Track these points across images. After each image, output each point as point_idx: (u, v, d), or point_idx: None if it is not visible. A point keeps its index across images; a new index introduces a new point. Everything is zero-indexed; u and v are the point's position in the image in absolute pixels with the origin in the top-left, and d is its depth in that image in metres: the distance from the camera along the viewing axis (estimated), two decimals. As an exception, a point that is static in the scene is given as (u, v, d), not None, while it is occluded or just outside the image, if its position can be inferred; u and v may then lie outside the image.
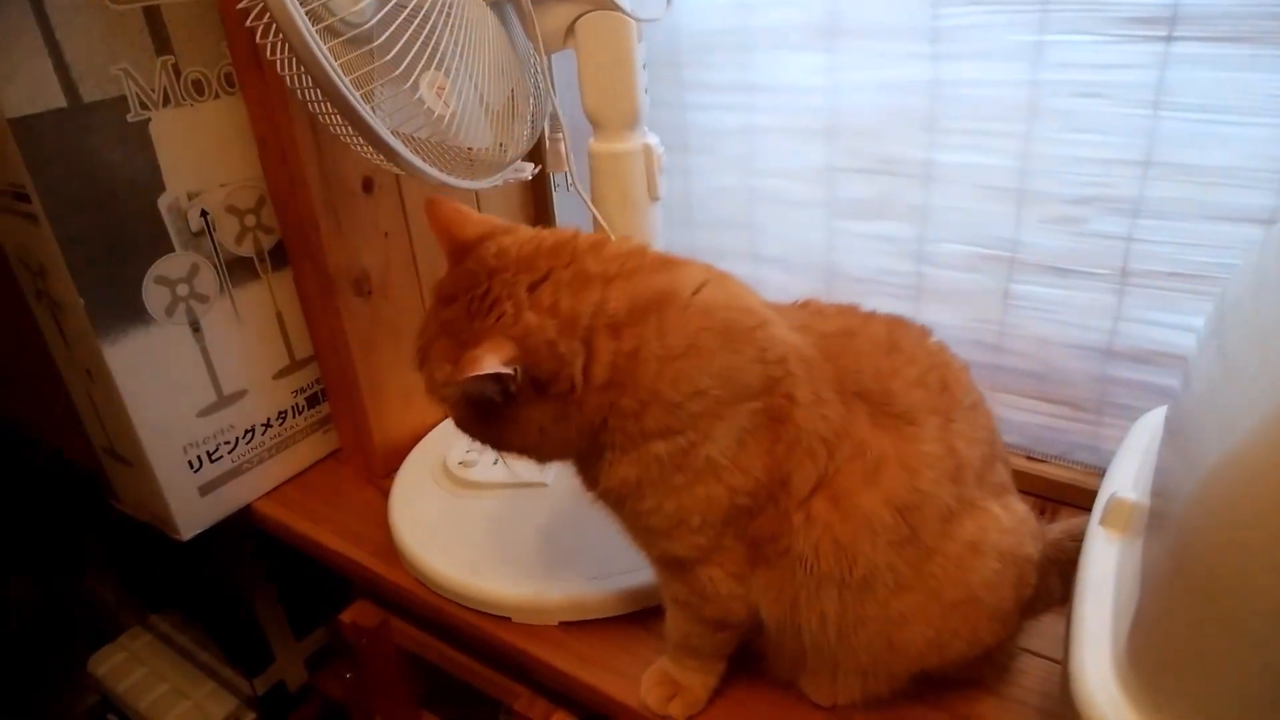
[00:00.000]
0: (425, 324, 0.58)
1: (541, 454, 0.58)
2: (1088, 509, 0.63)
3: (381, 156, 0.60)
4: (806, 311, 0.63)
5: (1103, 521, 0.59)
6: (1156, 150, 0.70)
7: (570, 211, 1.04)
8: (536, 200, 1.04)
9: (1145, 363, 0.77)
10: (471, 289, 0.54)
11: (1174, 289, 0.73)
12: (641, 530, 0.58)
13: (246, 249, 0.84)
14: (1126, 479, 0.62)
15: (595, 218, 0.74)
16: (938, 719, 0.63)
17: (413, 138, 0.62)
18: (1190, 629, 0.44)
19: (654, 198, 0.74)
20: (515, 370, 0.51)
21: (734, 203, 0.94)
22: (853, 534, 0.55)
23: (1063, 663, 0.52)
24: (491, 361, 0.49)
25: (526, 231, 0.58)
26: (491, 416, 0.55)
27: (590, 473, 0.58)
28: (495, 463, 0.87)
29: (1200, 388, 0.53)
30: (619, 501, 0.57)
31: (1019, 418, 0.85)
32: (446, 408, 0.57)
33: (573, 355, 0.52)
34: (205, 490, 0.86)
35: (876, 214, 0.85)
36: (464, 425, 0.58)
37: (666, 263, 0.58)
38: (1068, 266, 0.77)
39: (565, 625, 0.72)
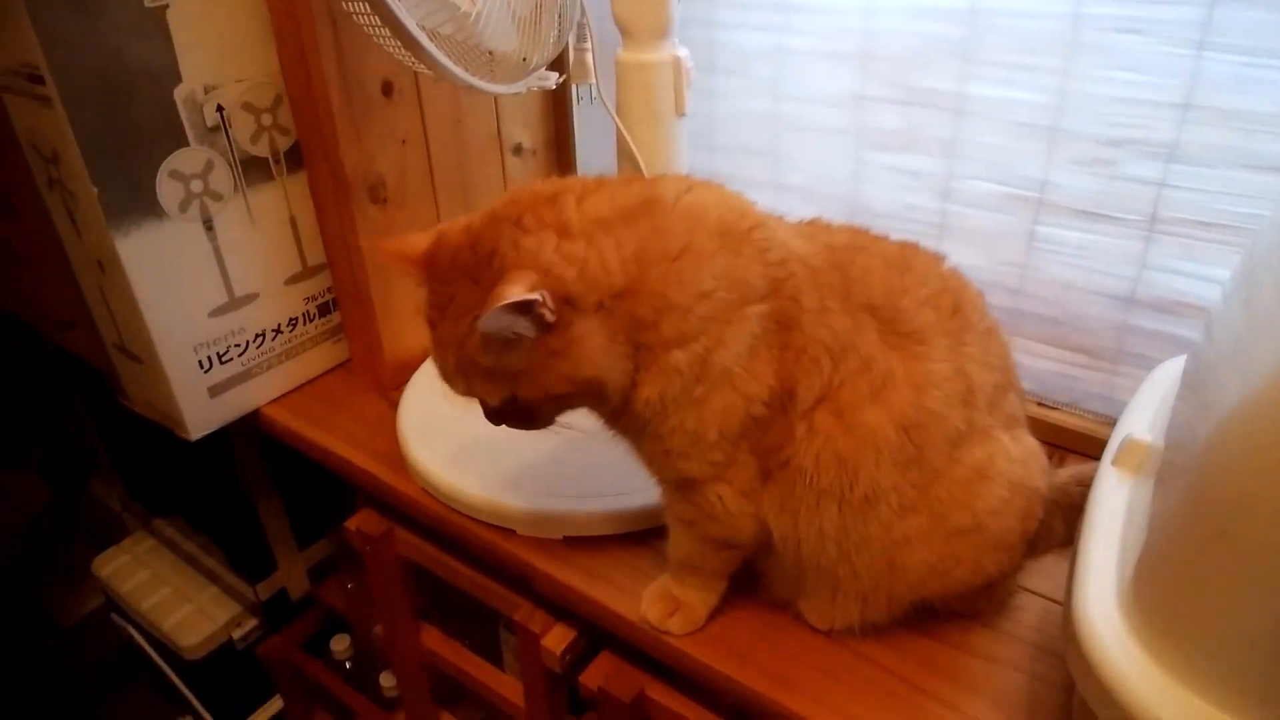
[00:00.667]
0: (434, 339, 0.57)
1: (603, 387, 0.54)
2: (1096, 457, 0.63)
3: (406, 51, 0.58)
4: (813, 227, 0.62)
5: (1115, 462, 0.59)
6: (1197, 93, 0.68)
7: (591, 128, 1.02)
8: (557, 113, 1.02)
9: (1166, 312, 0.76)
10: (457, 272, 0.54)
11: (1202, 238, 0.72)
12: (660, 454, 0.58)
13: (262, 149, 0.83)
14: (1141, 423, 0.62)
15: (618, 130, 0.72)
16: (932, 646, 0.64)
17: (436, 33, 0.60)
18: (1199, 569, 0.44)
19: (680, 113, 0.72)
20: (542, 295, 0.49)
21: (759, 128, 0.92)
22: (855, 449, 0.55)
23: (1065, 597, 0.52)
24: (515, 290, 0.48)
25: (476, 211, 0.57)
26: (537, 372, 0.53)
27: (615, 404, 0.56)
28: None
29: (1223, 339, 0.53)
30: (642, 427, 0.57)
31: (1034, 364, 0.85)
32: (486, 389, 0.55)
33: (582, 254, 0.52)
34: (215, 392, 0.86)
35: (905, 146, 0.83)
36: (508, 409, 0.56)
37: (640, 177, 0.58)
38: (1096, 210, 0.76)
39: (569, 540, 0.73)
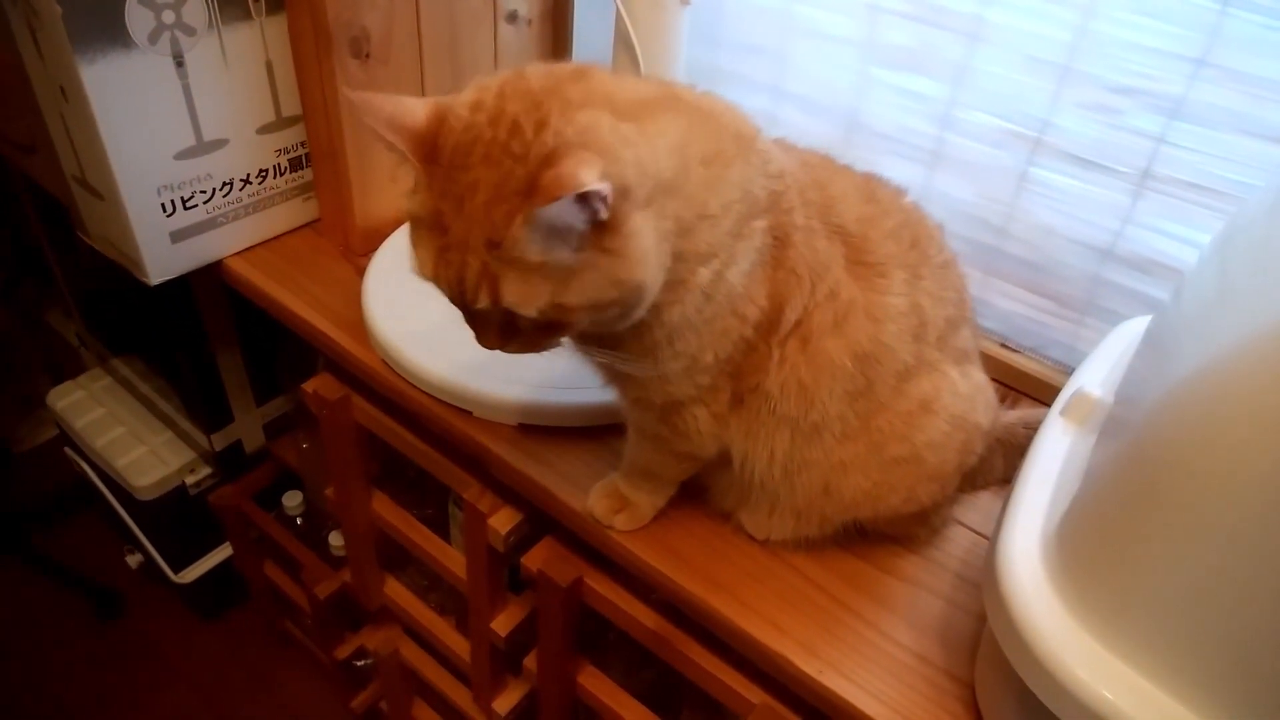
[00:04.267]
0: (442, 243, 0.46)
1: (642, 297, 0.48)
2: (1049, 404, 0.64)
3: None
4: (783, 145, 0.60)
5: (1063, 412, 0.60)
6: (1214, 50, 0.66)
7: (591, 3, 0.98)
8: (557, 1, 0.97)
9: (1142, 271, 0.76)
10: (478, 156, 0.44)
11: (1191, 200, 0.72)
12: (654, 380, 0.55)
13: (241, -15, 0.78)
14: (1095, 378, 0.63)
15: (618, 12, 0.69)
16: (861, 567, 0.66)
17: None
18: (1120, 522, 0.45)
19: (684, 1, 0.69)
20: (607, 184, 0.42)
21: (766, 27, 0.88)
22: (814, 378, 0.55)
23: (993, 534, 0.54)
24: (587, 174, 0.41)
25: (472, 87, 0.48)
26: (584, 275, 0.45)
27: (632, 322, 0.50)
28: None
29: (1191, 302, 0.53)
30: (648, 351, 0.53)
31: (1004, 304, 0.85)
32: (520, 295, 0.45)
33: (635, 137, 0.45)
34: (177, 238, 0.84)
35: (912, 66, 0.81)
36: (532, 324, 0.47)
37: (648, 79, 0.54)
38: (1090, 158, 0.75)
39: (524, 427, 0.74)
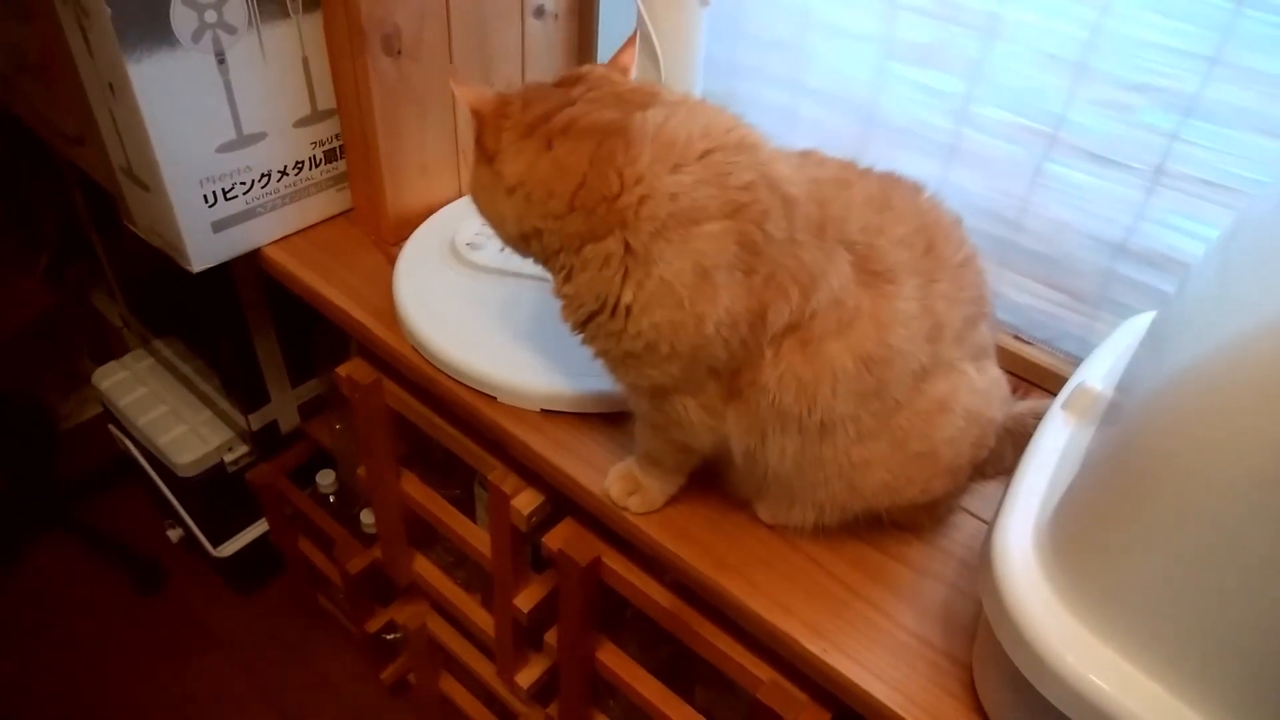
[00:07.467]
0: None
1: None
2: (1060, 395, 0.66)
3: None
4: (806, 159, 0.62)
5: (1064, 405, 0.62)
6: (1227, 48, 0.67)
7: (613, 9, 1.00)
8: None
9: (1154, 266, 0.77)
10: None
11: (1202, 197, 0.72)
12: (621, 356, 0.59)
13: (279, -16, 0.81)
14: (1098, 372, 0.64)
15: (640, 13, 0.71)
16: (869, 552, 0.68)
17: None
18: (1110, 510, 0.47)
19: (704, 2, 0.71)
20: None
21: (787, 22, 0.89)
22: (814, 376, 0.57)
23: (991, 522, 0.56)
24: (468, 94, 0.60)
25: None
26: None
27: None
28: (502, 249, 0.89)
29: (1193, 296, 0.54)
30: (616, 333, 0.58)
31: (1018, 297, 0.86)
32: None
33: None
34: (218, 227, 0.88)
35: (930, 62, 0.82)
36: None
37: (641, 86, 0.62)
38: (1105, 154, 0.76)
39: (546, 412, 0.76)
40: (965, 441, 0.63)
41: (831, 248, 0.57)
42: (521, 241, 0.61)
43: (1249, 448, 0.40)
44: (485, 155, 0.59)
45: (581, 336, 0.61)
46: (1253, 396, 0.40)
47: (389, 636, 1.34)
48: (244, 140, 0.85)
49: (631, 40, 0.64)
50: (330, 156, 0.94)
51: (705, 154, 0.55)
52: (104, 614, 1.47)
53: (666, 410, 0.61)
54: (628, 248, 0.55)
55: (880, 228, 0.59)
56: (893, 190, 0.62)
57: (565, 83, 0.60)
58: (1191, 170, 0.72)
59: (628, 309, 0.56)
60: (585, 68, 0.61)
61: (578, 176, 0.55)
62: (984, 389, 0.64)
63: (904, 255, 0.59)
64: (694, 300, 0.54)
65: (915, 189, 0.64)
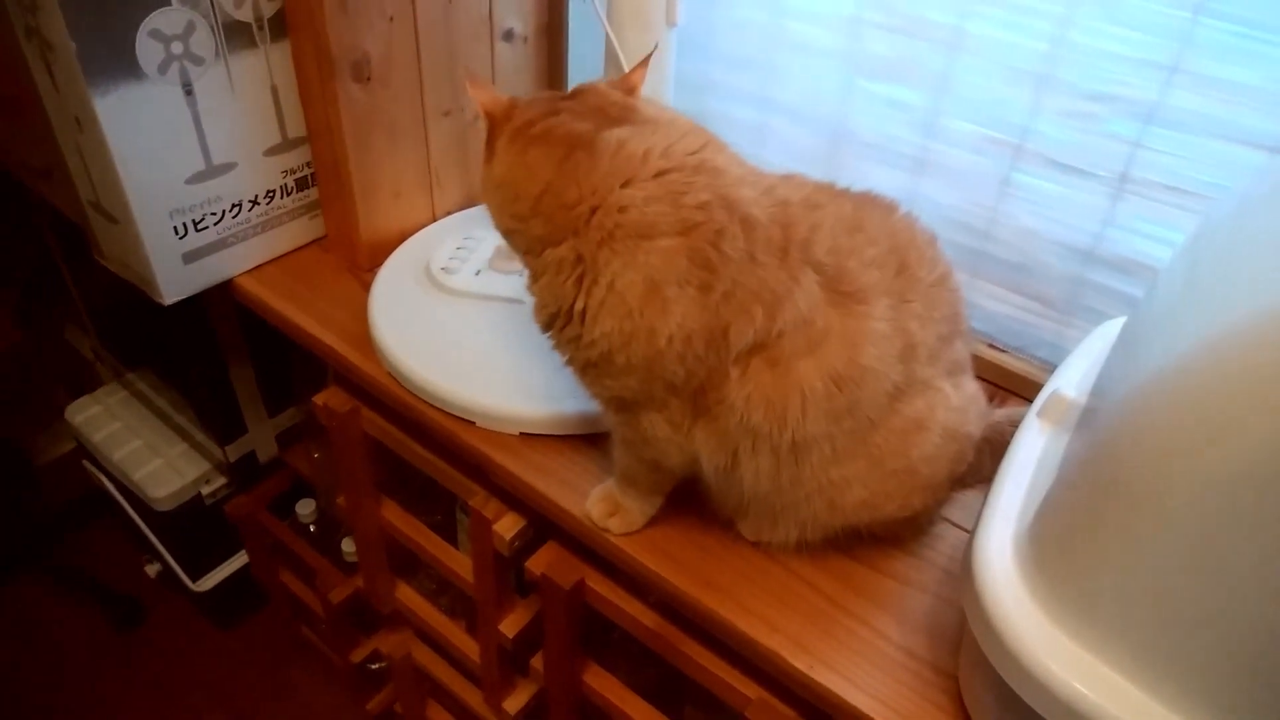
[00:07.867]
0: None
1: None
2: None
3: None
4: (787, 183, 0.62)
5: (1039, 414, 0.62)
6: (1186, 57, 0.68)
7: (584, 18, 1.00)
8: (552, 11, 1.00)
9: (1123, 271, 0.79)
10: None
11: (1167, 202, 0.74)
12: (583, 365, 0.60)
13: (245, 14, 0.81)
14: (1072, 379, 0.65)
15: (608, 36, 0.71)
16: (852, 566, 0.68)
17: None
18: (1085, 516, 0.47)
19: (671, 23, 0.71)
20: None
21: (754, 40, 0.90)
22: (782, 395, 0.57)
23: (972, 531, 0.56)
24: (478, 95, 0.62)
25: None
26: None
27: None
28: (477, 273, 0.89)
29: (1162, 300, 0.55)
30: (569, 323, 0.59)
31: (991, 305, 0.87)
32: None
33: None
34: (189, 258, 0.87)
35: (896, 77, 0.83)
36: None
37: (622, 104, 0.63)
38: (1070, 163, 0.77)
39: (525, 436, 0.76)
40: (943, 458, 0.64)
41: (797, 269, 0.57)
42: (506, 238, 0.63)
43: (1221, 449, 0.41)
44: (487, 154, 0.61)
45: (552, 342, 0.63)
46: (1221, 399, 0.41)
47: (374, 666, 1.32)
48: (214, 170, 0.85)
49: (645, 60, 0.64)
50: (302, 184, 0.94)
51: (661, 173, 0.56)
52: (83, 653, 1.44)
53: (635, 426, 0.62)
54: (579, 256, 0.56)
55: (851, 249, 0.59)
56: (866, 211, 0.62)
57: (568, 95, 0.62)
58: (1155, 176, 0.73)
59: (582, 315, 0.57)
60: (591, 83, 0.63)
61: (542, 182, 0.57)
62: (960, 405, 0.64)
63: (875, 276, 0.59)
64: (644, 312, 0.55)
65: (889, 209, 0.64)
